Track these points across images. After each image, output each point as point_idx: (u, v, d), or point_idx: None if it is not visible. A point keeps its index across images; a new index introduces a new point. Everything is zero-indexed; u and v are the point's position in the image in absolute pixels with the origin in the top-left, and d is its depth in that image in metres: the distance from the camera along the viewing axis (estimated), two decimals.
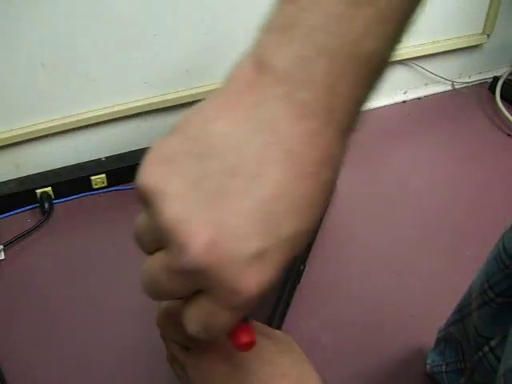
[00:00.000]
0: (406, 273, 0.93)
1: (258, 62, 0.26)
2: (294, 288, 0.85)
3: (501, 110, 1.32)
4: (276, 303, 0.75)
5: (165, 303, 0.41)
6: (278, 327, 0.79)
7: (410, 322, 0.85)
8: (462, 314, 0.68)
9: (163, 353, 0.46)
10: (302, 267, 0.88)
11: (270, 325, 0.51)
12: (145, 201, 0.27)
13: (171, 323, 0.40)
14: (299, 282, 0.87)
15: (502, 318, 0.57)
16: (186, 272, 0.27)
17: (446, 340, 0.73)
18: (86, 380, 0.77)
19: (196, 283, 0.27)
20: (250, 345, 0.31)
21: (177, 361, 0.42)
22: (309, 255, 0.92)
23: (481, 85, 1.46)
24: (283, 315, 0.82)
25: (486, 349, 0.58)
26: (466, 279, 0.91)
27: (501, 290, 0.58)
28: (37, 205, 1.03)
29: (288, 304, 0.83)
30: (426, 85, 1.42)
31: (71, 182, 1.05)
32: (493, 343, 0.57)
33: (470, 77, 1.48)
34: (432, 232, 1.01)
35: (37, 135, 1.01)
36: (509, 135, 1.27)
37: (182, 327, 0.35)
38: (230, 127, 0.27)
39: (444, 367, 0.72)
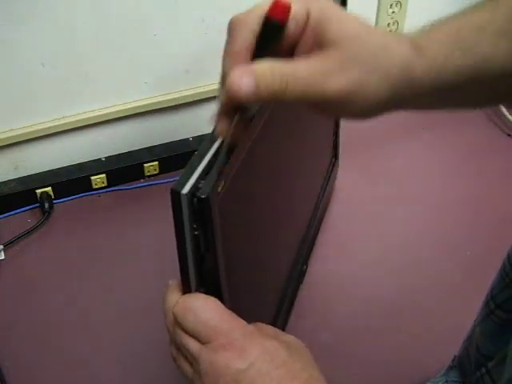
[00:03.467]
0: (406, 273, 0.93)
1: None
2: (297, 288, 0.85)
3: (501, 110, 1.32)
4: (280, 303, 0.76)
5: (183, 298, 0.42)
6: (283, 327, 0.79)
7: (410, 323, 0.85)
8: (468, 334, 0.67)
9: (166, 353, 0.46)
10: (304, 267, 0.88)
11: (274, 324, 0.52)
12: None
13: (192, 314, 0.41)
14: (302, 281, 0.88)
15: (501, 337, 0.55)
16: None
17: (454, 365, 0.72)
18: (86, 380, 0.77)
19: None
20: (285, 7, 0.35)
21: (187, 355, 0.42)
22: (310, 255, 0.92)
23: None
24: (287, 315, 0.82)
25: (484, 370, 0.57)
26: (467, 279, 0.92)
27: (501, 300, 0.56)
28: (37, 205, 1.03)
29: (292, 303, 0.84)
30: None
31: (71, 182, 1.05)
32: (490, 365, 0.56)
33: None
34: (432, 232, 1.01)
35: (37, 135, 1.01)
36: (509, 135, 1.27)
37: (204, 319, 0.40)
38: None
39: (441, 383, 0.71)
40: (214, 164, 0.41)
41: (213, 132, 0.41)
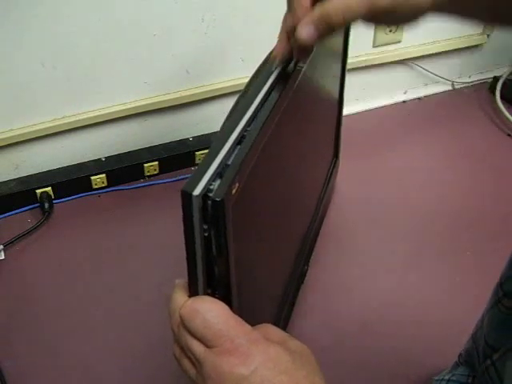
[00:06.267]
0: (406, 273, 0.93)
1: None
2: (298, 288, 0.85)
3: (501, 110, 1.32)
4: (281, 303, 0.76)
5: (191, 300, 0.42)
6: (284, 327, 0.79)
7: (410, 323, 0.85)
8: (476, 327, 0.66)
9: (167, 353, 0.46)
10: (305, 267, 0.88)
11: (276, 325, 0.51)
12: None
13: (200, 317, 0.41)
14: (302, 281, 0.88)
15: (508, 327, 0.54)
16: None
17: (460, 362, 0.71)
18: (86, 380, 0.77)
19: None
20: None
21: (191, 357, 0.42)
22: (311, 255, 0.92)
23: (481, 85, 1.46)
24: (289, 315, 0.82)
25: (489, 362, 0.56)
26: (467, 279, 0.92)
27: (508, 288, 0.55)
28: (37, 205, 1.04)
29: (293, 304, 0.84)
30: (426, 85, 1.42)
31: (71, 182, 1.05)
32: (495, 356, 0.55)
33: (470, 77, 1.48)
34: (432, 232, 1.01)
35: (37, 135, 1.01)
36: (509, 135, 1.27)
37: (211, 323, 0.40)
38: None
39: (447, 376, 0.70)
40: (227, 166, 0.40)
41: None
